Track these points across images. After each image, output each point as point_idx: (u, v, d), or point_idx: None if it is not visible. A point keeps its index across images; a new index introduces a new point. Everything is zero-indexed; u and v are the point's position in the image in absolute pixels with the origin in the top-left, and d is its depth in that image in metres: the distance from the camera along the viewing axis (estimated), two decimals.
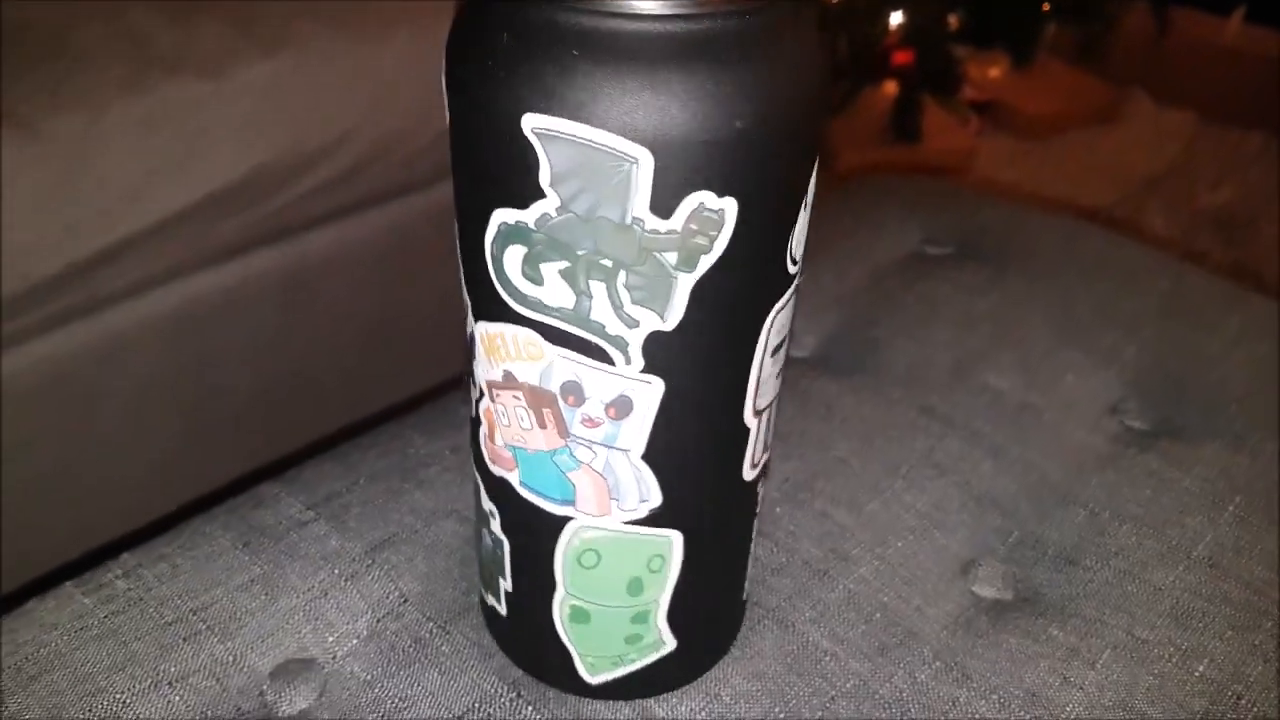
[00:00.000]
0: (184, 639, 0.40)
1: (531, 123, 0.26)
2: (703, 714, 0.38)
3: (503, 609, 0.38)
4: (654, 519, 0.33)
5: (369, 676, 0.39)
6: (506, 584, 0.37)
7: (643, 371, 0.30)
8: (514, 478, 0.34)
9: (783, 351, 0.33)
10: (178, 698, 0.38)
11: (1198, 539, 0.46)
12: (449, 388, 0.54)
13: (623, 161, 0.26)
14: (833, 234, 0.66)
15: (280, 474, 0.48)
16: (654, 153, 0.26)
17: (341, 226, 0.83)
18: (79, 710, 0.38)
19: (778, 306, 0.31)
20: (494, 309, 0.30)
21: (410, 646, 0.40)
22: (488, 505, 0.36)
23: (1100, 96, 1.66)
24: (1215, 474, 0.49)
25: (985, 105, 1.58)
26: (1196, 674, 0.40)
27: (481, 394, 0.33)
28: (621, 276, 0.28)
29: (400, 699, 0.38)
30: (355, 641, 0.41)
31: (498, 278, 0.30)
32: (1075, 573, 0.44)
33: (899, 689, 0.40)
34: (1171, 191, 1.51)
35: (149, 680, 0.39)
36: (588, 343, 0.29)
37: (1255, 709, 0.39)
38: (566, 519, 0.33)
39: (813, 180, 0.30)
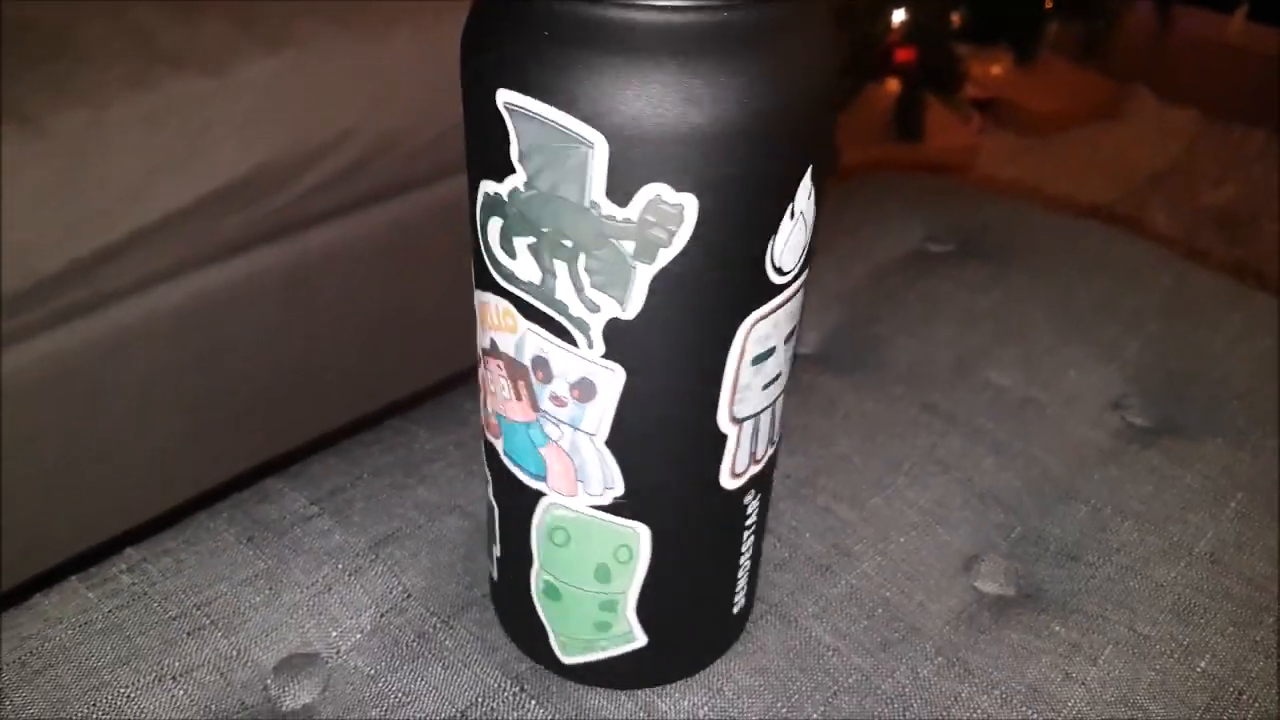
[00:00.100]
0: (188, 633, 0.40)
1: (503, 97, 0.27)
2: (705, 708, 0.38)
3: (495, 574, 0.39)
4: (619, 508, 0.33)
5: (372, 671, 0.39)
6: (497, 549, 0.38)
7: (604, 356, 0.30)
8: (499, 445, 0.34)
9: (772, 363, 0.32)
10: (181, 692, 0.38)
11: (1199, 535, 0.46)
12: (453, 383, 0.54)
13: (579, 144, 0.26)
14: (835, 231, 0.66)
15: (284, 469, 0.48)
16: (609, 139, 0.26)
17: (344, 223, 0.84)
18: (83, 704, 0.38)
19: (757, 315, 0.30)
20: (482, 277, 0.31)
21: (414, 641, 0.40)
22: (485, 469, 0.37)
23: (1103, 94, 1.66)
24: (1217, 470, 0.49)
25: (987, 103, 1.58)
26: (1198, 670, 0.40)
27: (480, 360, 0.34)
28: (582, 259, 0.28)
29: (403, 693, 0.39)
30: (359, 636, 0.41)
31: (484, 247, 0.30)
32: (1077, 568, 0.45)
33: (901, 684, 0.40)
34: (1174, 189, 1.51)
35: (153, 674, 0.39)
36: (553, 320, 0.30)
37: (1257, 704, 0.40)
38: (540, 494, 0.34)
39: (803, 187, 0.29)
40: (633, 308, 0.29)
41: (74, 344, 0.72)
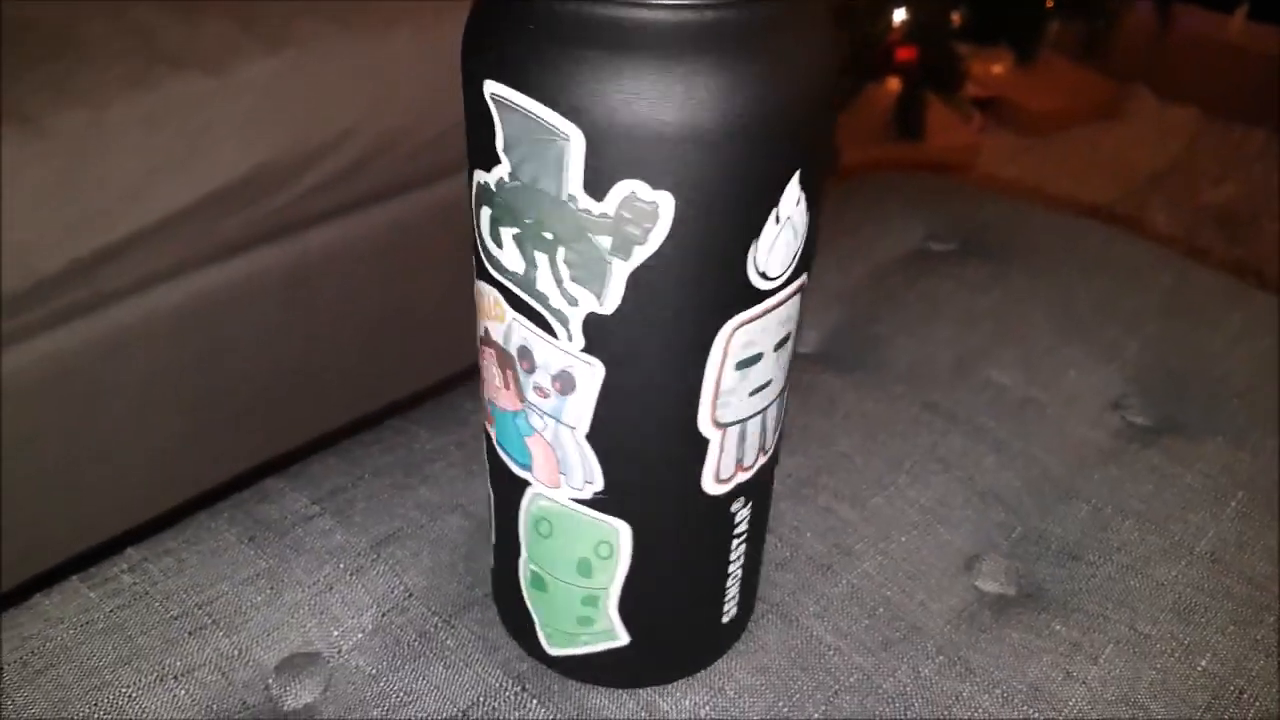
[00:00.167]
0: (189, 633, 0.40)
1: (489, 89, 0.27)
2: (707, 708, 0.38)
3: (493, 562, 0.40)
4: (599, 503, 0.33)
5: (374, 671, 0.39)
6: (493, 536, 0.38)
7: (583, 350, 0.30)
8: (493, 433, 0.35)
9: (759, 369, 0.32)
10: (183, 692, 0.38)
11: (1200, 534, 0.46)
12: (453, 383, 0.54)
13: (557, 137, 0.26)
14: (835, 231, 0.66)
15: (285, 469, 0.48)
16: (585, 133, 0.26)
17: (344, 223, 0.84)
18: (84, 704, 0.38)
19: (740, 319, 0.30)
20: (479, 267, 0.32)
21: (415, 641, 0.40)
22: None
23: (1103, 93, 1.66)
24: (1217, 470, 0.49)
25: (988, 102, 1.58)
26: (1199, 669, 0.41)
27: (479, 348, 0.34)
28: (561, 252, 0.28)
29: (405, 693, 0.39)
30: (360, 636, 0.41)
31: (478, 235, 0.31)
32: (1078, 568, 0.45)
33: (902, 683, 0.40)
34: (1174, 188, 1.51)
35: (154, 674, 0.39)
36: (535, 311, 0.30)
37: (1257, 703, 0.40)
38: (526, 483, 0.34)
39: (789, 192, 0.29)
40: (610, 303, 0.29)
41: (74, 344, 0.72)
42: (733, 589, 0.38)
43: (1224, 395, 0.54)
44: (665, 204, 0.27)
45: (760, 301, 0.30)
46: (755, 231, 0.28)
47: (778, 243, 0.29)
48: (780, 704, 0.39)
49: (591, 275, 0.28)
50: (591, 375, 0.30)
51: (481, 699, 0.38)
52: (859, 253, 0.65)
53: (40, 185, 0.65)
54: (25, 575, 0.69)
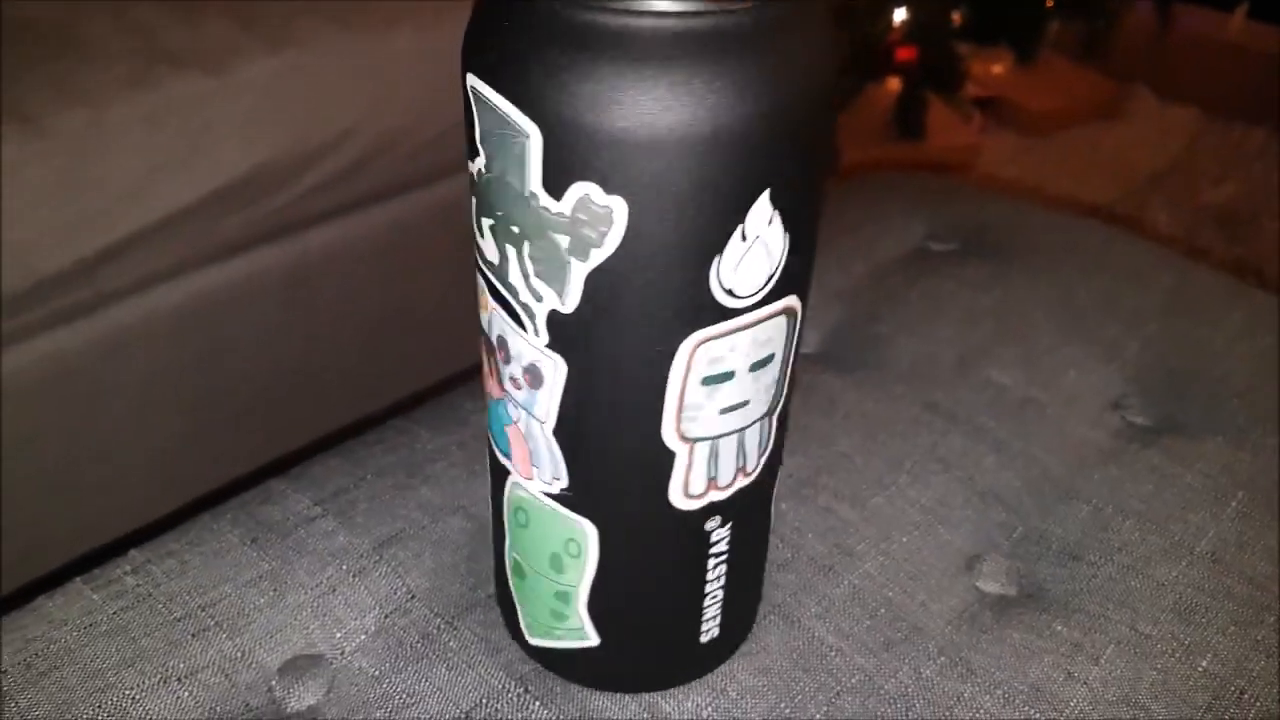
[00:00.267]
0: (193, 635, 0.40)
1: (470, 81, 0.28)
2: (709, 709, 0.38)
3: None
4: (567, 500, 0.34)
5: (377, 672, 0.40)
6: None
7: (548, 346, 0.30)
8: (485, 420, 0.35)
9: (731, 388, 0.31)
10: (186, 694, 0.39)
11: (1200, 534, 0.46)
12: (455, 383, 0.54)
13: (519, 134, 0.27)
14: (836, 230, 0.67)
15: (287, 470, 0.48)
16: (543, 131, 0.26)
17: (345, 223, 0.84)
18: (88, 706, 0.38)
19: (705, 334, 0.29)
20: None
21: (418, 642, 0.41)
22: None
23: (1103, 93, 1.66)
24: (1218, 469, 0.49)
25: (988, 102, 1.58)
26: (1200, 669, 0.41)
27: None
28: (526, 246, 0.28)
29: (408, 694, 0.39)
30: (363, 637, 0.41)
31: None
32: (1079, 568, 0.45)
33: (904, 684, 0.40)
34: (1174, 188, 1.51)
35: (158, 676, 0.39)
36: (508, 303, 0.30)
37: (1258, 704, 0.40)
38: (507, 471, 0.35)
39: (758, 211, 0.28)
40: (570, 302, 0.29)
41: (75, 344, 0.72)
42: (712, 610, 0.37)
43: (1224, 395, 0.54)
44: (619, 209, 0.27)
45: (729, 318, 0.29)
46: (718, 247, 0.28)
47: (746, 261, 0.28)
48: (782, 705, 0.39)
49: (553, 273, 0.28)
50: (556, 371, 0.31)
51: (484, 700, 0.38)
52: (859, 252, 0.65)
53: (41, 185, 0.65)
54: (27, 576, 0.70)
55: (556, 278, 0.29)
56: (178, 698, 0.38)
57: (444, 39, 0.80)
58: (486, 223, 0.29)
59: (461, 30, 0.29)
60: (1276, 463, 0.50)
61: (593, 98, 0.25)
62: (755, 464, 0.34)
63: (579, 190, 0.27)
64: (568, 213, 0.27)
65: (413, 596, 0.42)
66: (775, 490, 0.37)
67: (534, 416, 0.32)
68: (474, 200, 0.30)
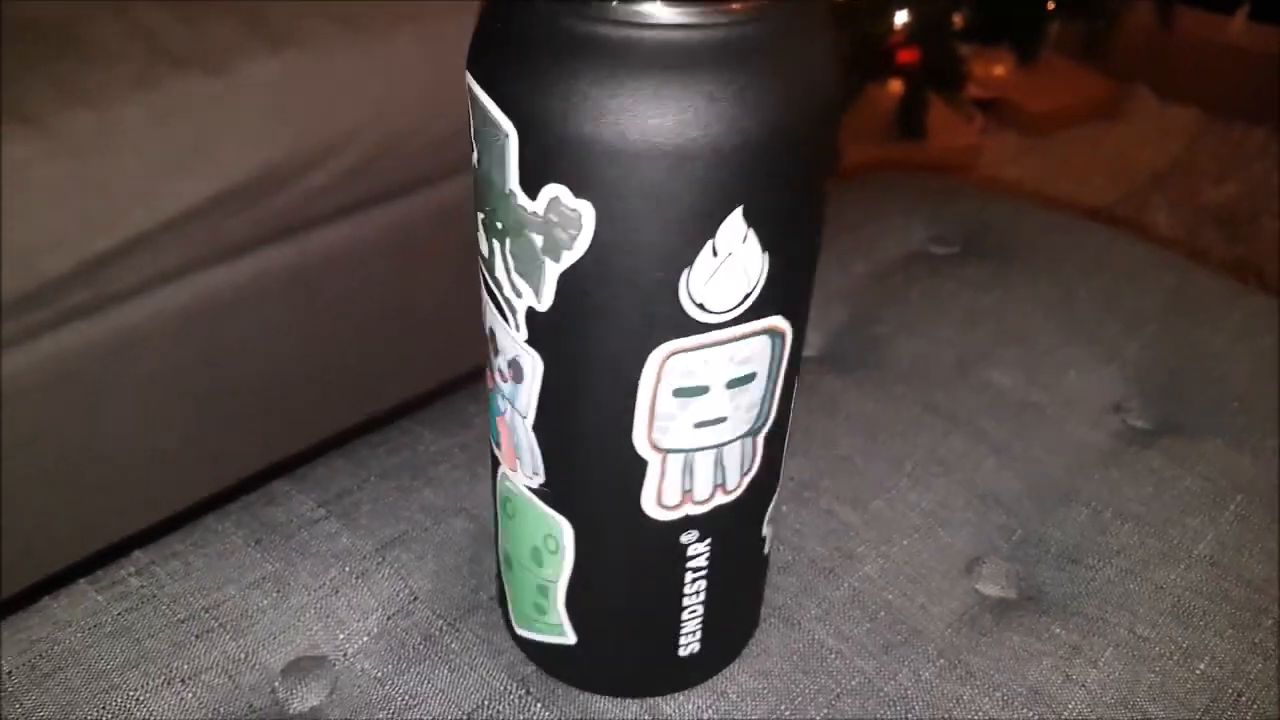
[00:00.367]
0: (196, 636, 0.41)
1: (468, 77, 0.28)
2: (710, 711, 0.39)
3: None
4: (544, 496, 0.34)
5: (379, 674, 0.40)
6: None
7: (527, 341, 0.31)
8: (489, 417, 0.36)
9: (706, 403, 0.31)
10: (190, 695, 0.39)
11: (1199, 537, 0.46)
12: (459, 384, 0.54)
13: (500, 132, 0.27)
14: (837, 230, 0.67)
15: (291, 471, 0.48)
16: (519, 132, 0.27)
17: (350, 223, 0.84)
18: (92, 707, 0.38)
19: (675, 346, 0.29)
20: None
21: (420, 644, 0.41)
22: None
23: (1104, 93, 1.66)
24: (1216, 472, 0.49)
25: (990, 102, 1.59)
26: (1198, 672, 0.41)
27: None
28: (508, 243, 0.29)
29: (410, 696, 0.39)
30: (366, 639, 0.41)
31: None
32: (1078, 571, 0.45)
33: (903, 686, 0.40)
34: (1175, 187, 1.51)
35: (162, 677, 0.39)
36: (495, 296, 0.31)
37: (1256, 706, 0.40)
38: (499, 462, 0.35)
39: (730, 227, 0.28)
40: (545, 301, 0.29)
41: (80, 345, 0.72)
42: (691, 624, 0.37)
43: (1223, 397, 0.54)
44: (587, 213, 0.27)
45: (702, 332, 0.29)
46: (687, 259, 0.28)
47: (718, 277, 0.28)
48: (782, 707, 0.39)
49: (530, 271, 0.29)
50: (534, 367, 0.31)
51: (486, 702, 0.39)
52: (860, 253, 0.65)
53: (44, 186, 0.65)
54: (30, 577, 0.70)
55: (533, 275, 0.29)
56: (181, 699, 0.39)
57: (449, 40, 0.80)
58: (479, 216, 0.30)
59: (466, 31, 0.29)
60: (1275, 466, 0.50)
61: (563, 101, 0.26)
62: (736, 483, 0.34)
63: (550, 191, 0.27)
64: (541, 213, 0.28)
65: (415, 598, 0.43)
66: (769, 512, 0.37)
67: (517, 410, 0.33)
68: (473, 193, 0.31)
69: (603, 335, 0.29)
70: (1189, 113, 1.65)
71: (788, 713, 0.39)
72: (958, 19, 1.18)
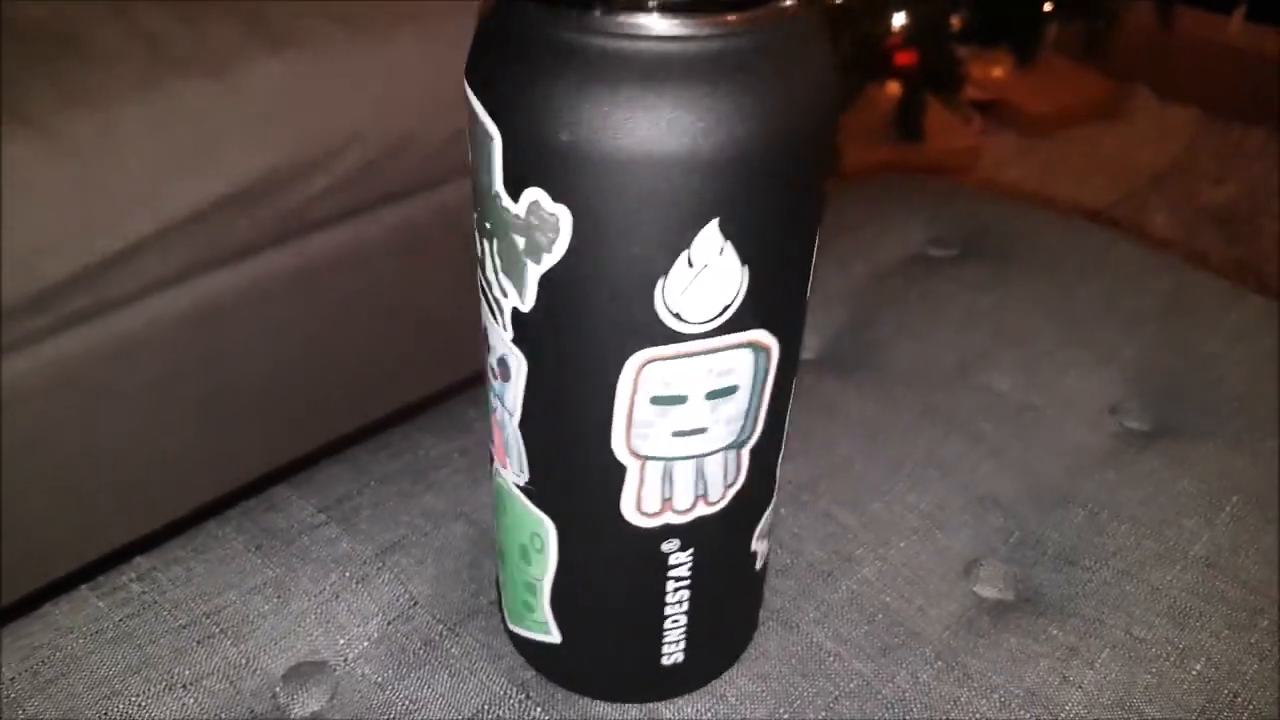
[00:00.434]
0: (198, 642, 0.41)
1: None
2: (709, 715, 0.39)
3: None
4: (530, 494, 0.34)
5: (380, 679, 0.40)
6: None
7: (513, 341, 0.31)
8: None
9: (685, 413, 0.31)
10: (192, 700, 0.39)
11: (1195, 539, 0.46)
12: (460, 389, 0.54)
13: (487, 135, 0.28)
14: (836, 232, 0.67)
15: (292, 476, 0.49)
16: (503, 136, 0.27)
17: (352, 226, 0.84)
18: (94, 714, 0.38)
19: (651, 354, 0.29)
20: None
21: (420, 649, 0.41)
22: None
23: (1103, 93, 1.67)
24: (1213, 473, 0.49)
25: (988, 104, 1.59)
26: (1194, 673, 0.41)
27: None
28: (495, 243, 0.29)
29: (411, 701, 0.39)
30: (366, 644, 0.41)
31: None
32: (1074, 573, 0.45)
33: (901, 689, 0.40)
34: (1174, 188, 1.51)
35: (163, 683, 0.39)
36: (486, 294, 0.31)
37: (1251, 706, 0.40)
38: (493, 457, 0.36)
39: (706, 238, 0.28)
40: (528, 302, 0.30)
41: (82, 349, 0.72)
42: (674, 634, 0.37)
43: (1220, 398, 0.54)
44: (564, 218, 0.27)
45: (679, 342, 0.29)
46: (663, 269, 0.28)
47: (694, 287, 0.28)
48: (781, 710, 0.39)
49: (514, 271, 0.29)
50: (520, 367, 0.31)
51: (486, 707, 0.39)
52: (859, 255, 0.65)
53: (48, 189, 0.66)
54: (32, 583, 0.70)
55: (517, 276, 0.29)
56: (183, 704, 0.39)
57: (450, 42, 0.81)
58: (475, 215, 0.31)
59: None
60: (1272, 466, 0.50)
61: (542, 107, 0.26)
62: (720, 495, 0.34)
63: (531, 195, 0.28)
64: (522, 215, 0.28)
65: (415, 603, 0.43)
66: (760, 527, 0.37)
67: (505, 408, 0.33)
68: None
69: (581, 339, 0.30)
70: (1188, 113, 1.65)
71: (786, 716, 0.39)
72: (955, 21, 1.18)
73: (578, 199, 0.27)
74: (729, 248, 0.28)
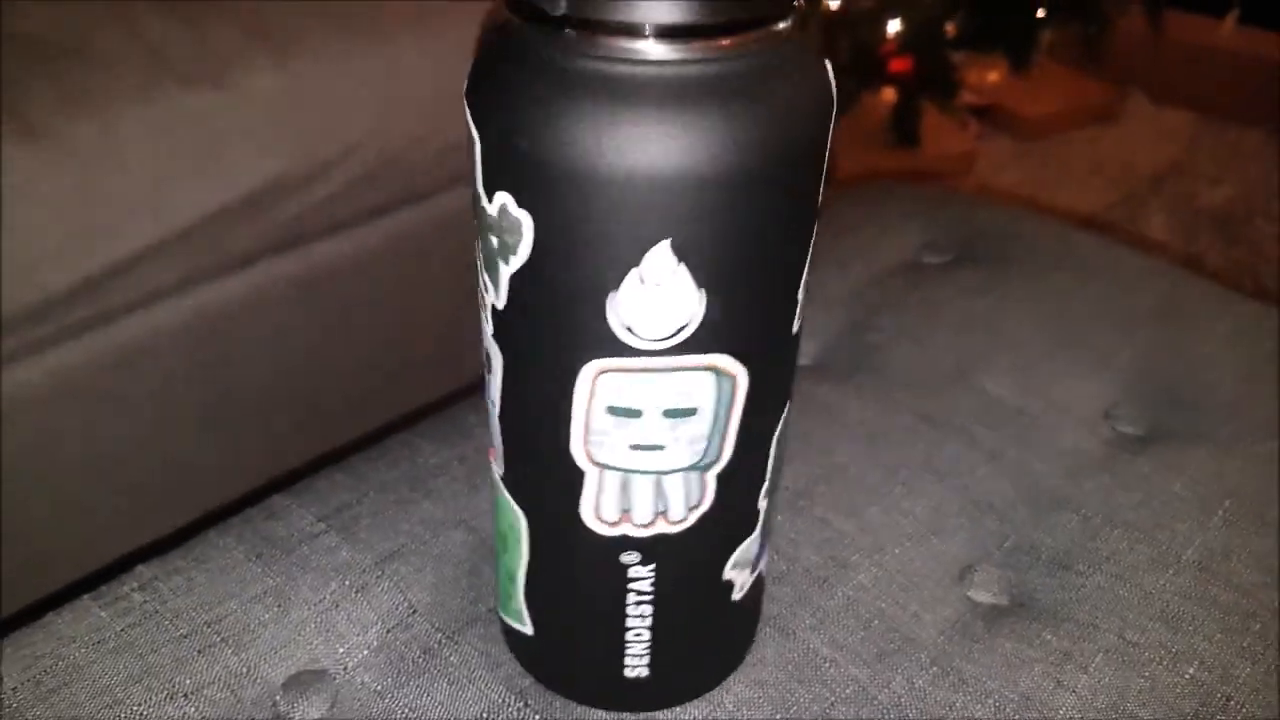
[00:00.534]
0: (199, 651, 0.41)
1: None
2: None
3: None
4: (507, 484, 0.36)
5: (379, 687, 0.40)
6: None
7: (493, 335, 0.32)
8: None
9: (642, 426, 0.31)
10: (193, 709, 0.39)
11: (1187, 543, 0.47)
12: (459, 397, 0.54)
13: (472, 138, 0.29)
14: (832, 238, 0.67)
15: (292, 485, 0.49)
16: (481, 140, 0.29)
17: (354, 235, 0.84)
18: None
19: (605, 365, 0.30)
20: None
21: (419, 657, 0.41)
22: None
23: (1098, 97, 1.67)
24: (1205, 478, 0.50)
25: (984, 109, 1.59)
26: (1187, 676, 0.41)
27: None
28: (479, 241, 0.31)
29: (410, 709, 0.39)
30: (366, 652, 0.42)
31: None
32: (1068, 577, 0.45)
33: (897, 694, 0.40)
34: (1171, 190, 1.51)
35: (165, 692, 0.40)
36: (478, 288, 0.33)
37: (1244, 710, 0.40)
38: (489, 445, 0.37)
39: (657, 258, 0.28)
40: (501, 299, 0.31)
41: (83, 359, 0.72)
42: (637, 648, 0.37)
43: (1213, 403, 0.55)
44: (526, 223, 0.29)
45: (633, 356, 0.30)
46: (614, 283, 0.29)
47: (645, 304, 0.29)
48: (778, 716, 0.39)
49: (490, 269, 0.31)
50: (498, 360, 0.33)
51: (485, 715, 0.39)
52: (856, 260, 0.66)
53: (50, 198, 0.66)
54: (33, 593, 0.70)
55: (493, 274, 0.31)
56: (185, 713, 0.39)
57: (453, 50, 0.81)
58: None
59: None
60: (1263, 471, 0.50)
61: (510, 116, 0.28)
62: (681, 515, 0.34)
63: (500, 198, 0.29)
64: (495, 216, 0.29)
65: (414, 611, 0.43)
66: (735, 556, 0.36)
67: (489, 399, 0.34)
68: None
69: (543, 341, 0.31)
70: (1184, 116, 1.66)
71: None
72: (950, 27, 1.18)
73: (538, 206, 0.28)
74: (683, 270, 0.28)
